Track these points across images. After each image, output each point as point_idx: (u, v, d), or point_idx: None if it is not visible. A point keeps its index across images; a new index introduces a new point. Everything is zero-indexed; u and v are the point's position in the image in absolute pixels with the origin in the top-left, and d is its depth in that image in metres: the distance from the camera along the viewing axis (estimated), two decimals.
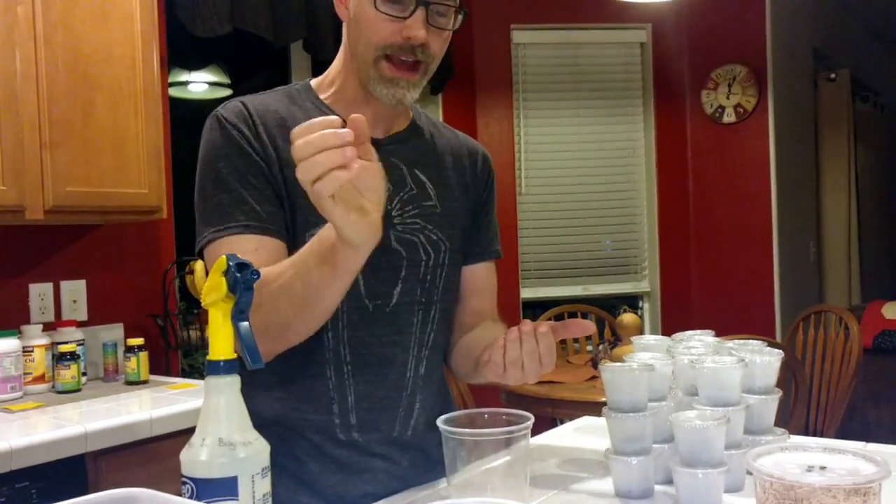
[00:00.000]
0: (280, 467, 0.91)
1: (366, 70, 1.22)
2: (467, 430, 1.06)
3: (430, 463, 1.29)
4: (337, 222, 0.96)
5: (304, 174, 0.92)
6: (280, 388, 1.24)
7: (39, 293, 2.53)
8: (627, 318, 3.03)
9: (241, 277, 0.85)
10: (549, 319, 3.83)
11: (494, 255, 1.45)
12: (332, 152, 0.90)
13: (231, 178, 1.19)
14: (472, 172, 1.41)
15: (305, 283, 1.07)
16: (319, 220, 1.19)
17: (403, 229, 1.27)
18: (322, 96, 1.30)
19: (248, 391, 0.87)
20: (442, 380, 1.38)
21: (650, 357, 1.19)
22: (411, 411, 1.27)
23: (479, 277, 1.42)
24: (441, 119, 3.84)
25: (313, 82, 1.34)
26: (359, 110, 1.26)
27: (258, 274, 0.86)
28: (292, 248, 1.19)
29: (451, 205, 1.34)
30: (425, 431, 1.29)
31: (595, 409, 1.43)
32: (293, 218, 1.21)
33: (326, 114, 1.25)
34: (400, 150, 1.31)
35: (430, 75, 1.26)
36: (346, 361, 1.23)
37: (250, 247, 1.16)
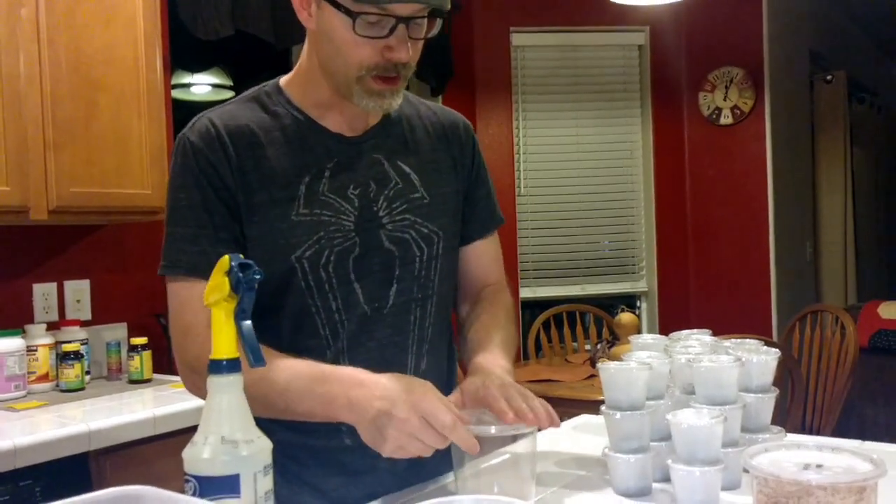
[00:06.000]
0: (282, 468, 0.91)
1: (347, 85, 1.16)
2: (474, 428, 1.05)
3: (433, 460, 1.28)
4: (373, 445, 1.05)
5: (396, 440, 1.01)
6: None
7: (43, 293, 2.54)
8: (625, 317, 3.04)
9: (244, 277, 0.85)
10: (548, 319, 3.85)
11: (497, 225, 1.41)
12: (423, 448, 1.01)
13: (188, 212, 1.17)
14: (459, 147, 1.35)
15: (287, 405, 1.10)
16: (303, 241, 1.17)
17: (393, 228, 1.23)
18: (294, 98, 1.25)
19: None
20: (448, 369, 1.35)
21: (648, 356, 1.20)
22: None
23: (482, 252, 1.39)
24: None
25: (282, 82, 1.28)
26: (333, 112, 1.23)
27: (261, 274, 0.86)
28: (275, 271, 1.16)
29: (440, 191, 1.30)
30: None
31: (593, 407, 1.44)
32: (273, 241, 1.17)
33: (300, 120, 1.23)
34: (379, 145, 1.26)
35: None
36: None
37: (196, 293, 1.12)
